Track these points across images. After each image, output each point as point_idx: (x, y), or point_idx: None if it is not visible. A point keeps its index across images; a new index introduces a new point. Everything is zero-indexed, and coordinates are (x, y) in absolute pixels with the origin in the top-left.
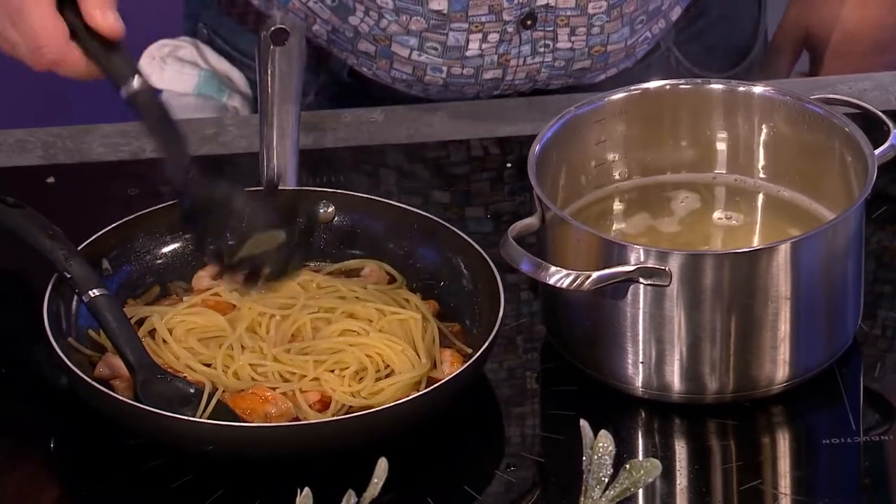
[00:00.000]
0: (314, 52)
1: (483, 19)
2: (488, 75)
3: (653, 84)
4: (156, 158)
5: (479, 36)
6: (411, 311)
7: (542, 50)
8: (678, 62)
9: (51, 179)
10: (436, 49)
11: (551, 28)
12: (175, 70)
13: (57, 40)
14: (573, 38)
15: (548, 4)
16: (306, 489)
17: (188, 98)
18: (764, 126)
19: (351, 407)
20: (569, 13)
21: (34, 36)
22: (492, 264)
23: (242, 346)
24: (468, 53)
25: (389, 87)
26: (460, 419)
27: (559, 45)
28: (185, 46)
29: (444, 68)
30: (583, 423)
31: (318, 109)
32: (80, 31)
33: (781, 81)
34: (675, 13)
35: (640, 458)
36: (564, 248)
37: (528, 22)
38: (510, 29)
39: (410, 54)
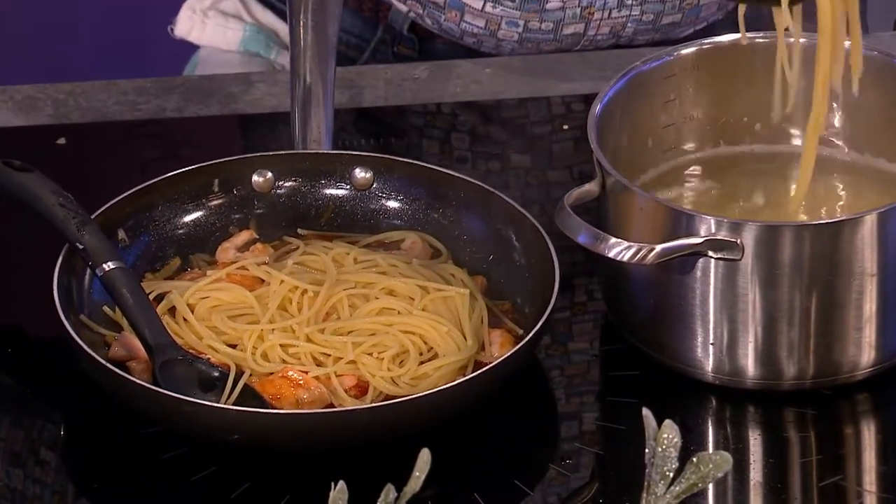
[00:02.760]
0: (374, 5)
1: None
2: (569, 30)
3: (727, 37)
4: (177, 118)
5: None
6: (457, 287)
7: (629, 2)
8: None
9: (62, 140)
10: (513, 1)
11: None
12: (218, 24)
13: None
14: None
15: None
16: (341, 483)
17: (232, 55)
18: (848, 83)
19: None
20: None
21: None
22: (546, 236)
23: (272, 325)
24: (549, 6)
25: (453, 45)
26: (510, 407)
27: None
28: None
29: (521, 22)
30: (645, 411)
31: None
32: None
33: (868, 36)
34: None
35: (710, 450)
36: (626, 218)
37: None
38: None
39: (484, 6)
